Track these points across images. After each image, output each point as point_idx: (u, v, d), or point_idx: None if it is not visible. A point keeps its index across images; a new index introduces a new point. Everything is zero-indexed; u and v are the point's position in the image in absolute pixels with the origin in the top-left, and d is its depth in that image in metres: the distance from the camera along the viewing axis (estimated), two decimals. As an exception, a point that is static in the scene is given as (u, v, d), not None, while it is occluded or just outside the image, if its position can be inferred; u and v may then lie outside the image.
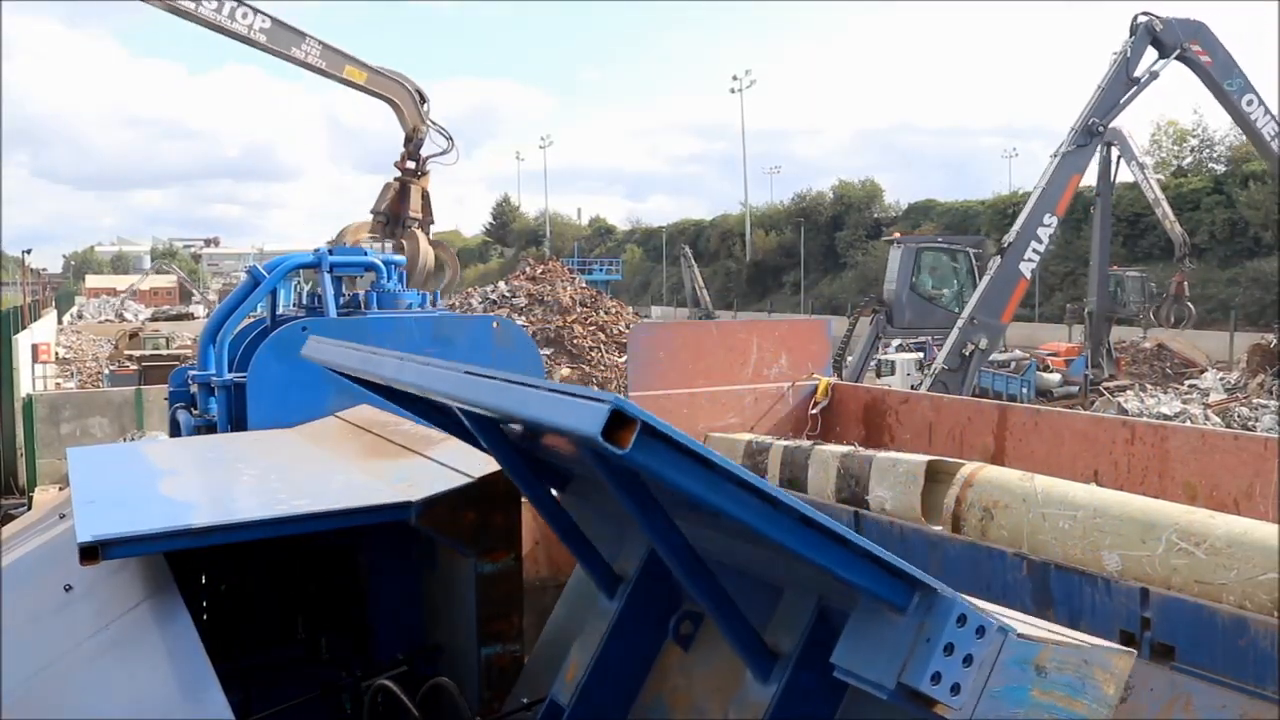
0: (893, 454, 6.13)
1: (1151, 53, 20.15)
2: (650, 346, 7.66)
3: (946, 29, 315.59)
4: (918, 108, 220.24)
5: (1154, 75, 20.33)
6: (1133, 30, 20.00)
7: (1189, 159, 57.44)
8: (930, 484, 5.79)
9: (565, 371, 19.39)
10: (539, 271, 24.51)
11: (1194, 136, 57.11)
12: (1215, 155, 56.04)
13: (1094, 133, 20.42)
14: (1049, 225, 20.42)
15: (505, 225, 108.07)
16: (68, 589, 4.89)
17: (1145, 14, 19.89)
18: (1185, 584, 4.27)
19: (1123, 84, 20.29)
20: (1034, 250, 20.28)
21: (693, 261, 61.73)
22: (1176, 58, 19.98)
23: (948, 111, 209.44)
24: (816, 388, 8.13)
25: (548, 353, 19.57)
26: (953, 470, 5.69)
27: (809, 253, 68.69)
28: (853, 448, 6.45)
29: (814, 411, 8.03)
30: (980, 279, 25.21)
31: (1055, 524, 4.86)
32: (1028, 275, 20.53)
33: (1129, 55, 20.08)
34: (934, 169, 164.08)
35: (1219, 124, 55.91)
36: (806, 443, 6.97)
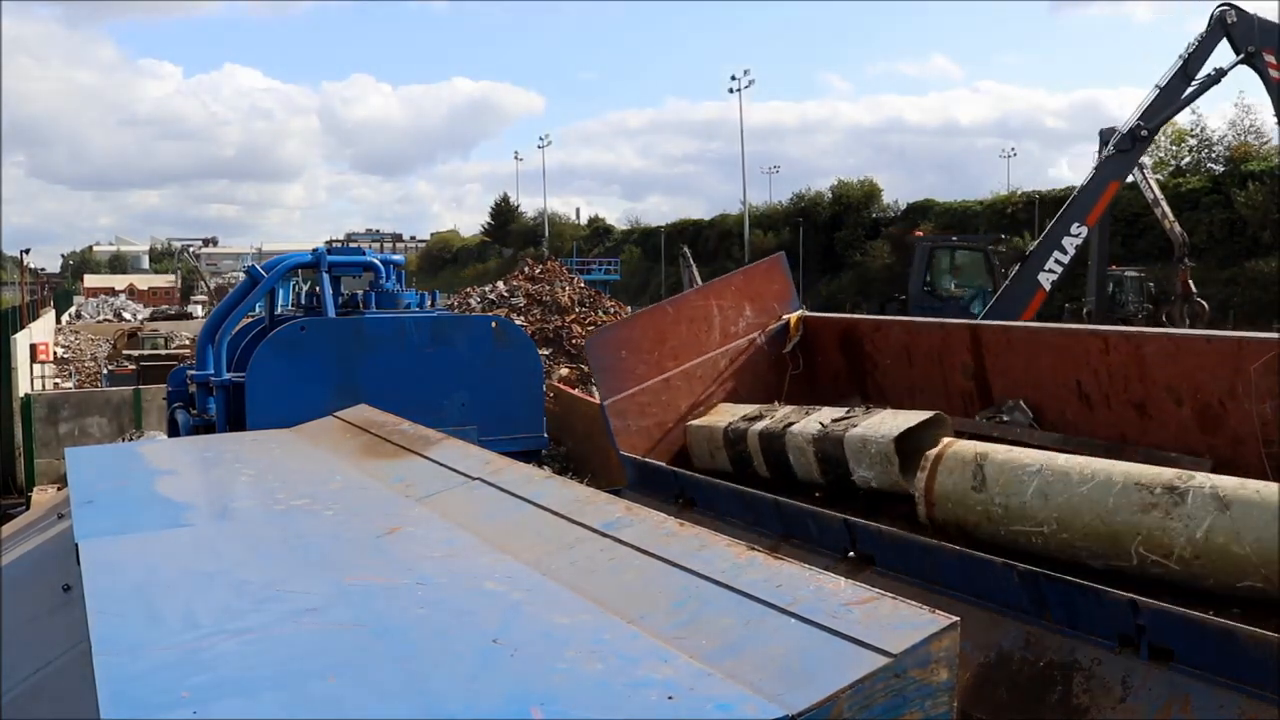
0: (861, 430, 6.02)
1: (1224, 52, 17.93)
2: (610, 348, 7.46)
3: (939, 27, 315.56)
4: (908, 106, 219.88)
5: (1216, 76, 17.99)
6: (1209, 22, 17.85)
7: (1187, 159, 57.43)
8: (907, 454, 5.78)
9: (564, 371, 19.38)
10: (537, 272, 24.44)
11: (1192, 137, 57.15)
12: (1214, 155, 56.08)
13: (1138, 137, 18.94)
14: (1077, 235, 18.79)
15: (504, 225, 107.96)
16: (67, 589, 4.89)
17: (1225, 4, 17.76)
18: (1171, 586, 4.25)
19: (1181, 83, 18.19)
20: (1057, 260, 18.80)
21: (692, 261, 61.61)
22: (1242, 61, 17.86)
23: (938, 110, 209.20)
24: (788, 326, 7.92)
25: (547, 353, 19.56)
26: (924, 435, 5.67)
27: (808, 253, 68.64)
28: (821, 428, 6.34)
29: (788, 351, 7.82)
30: (996, 277, 24.82)
31: (1025, 537, 4.79)
32: (1047, 287, 18.89)
33: (1193, 50, 17.88)
34: (927, 169, 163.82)
35: (1217, 124, 55.99)
36: (779, 417, 6.78)
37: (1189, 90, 18.69)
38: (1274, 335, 5.12)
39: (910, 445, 5.80)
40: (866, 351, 7.63)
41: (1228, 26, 17.93)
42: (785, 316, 7.97)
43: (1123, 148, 18.98)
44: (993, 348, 6.62)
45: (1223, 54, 18.44)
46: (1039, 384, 6.25)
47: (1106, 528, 4.43)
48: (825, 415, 6.50)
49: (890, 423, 5.97)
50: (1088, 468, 4.65)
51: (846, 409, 6.48)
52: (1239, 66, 18.19)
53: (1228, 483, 4.05)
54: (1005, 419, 6.38)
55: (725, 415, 7.31)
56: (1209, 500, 4.03)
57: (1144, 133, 18.87)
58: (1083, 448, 5.89)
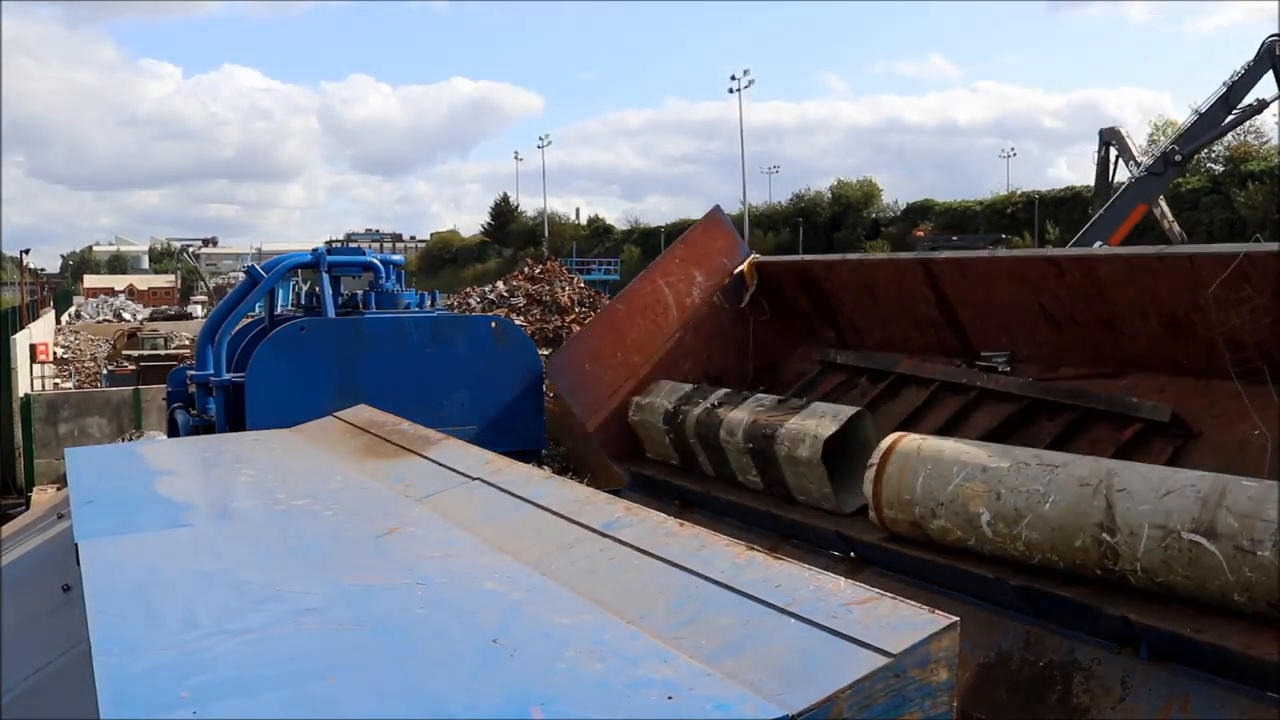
0: (801, 502, 6.01)
1: (1269, 84, 18.08)
2: (573, 365, 7.40)
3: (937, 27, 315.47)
4: (907, 106, 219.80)
5: (1258, 106, 18.20)
6: (1258, 52, 18.03)
7: (1187, 159, 57.43)
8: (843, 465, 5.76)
9: (564, 371, 19.36)
10: (537, 272, 24.42)
11: (1192, 136, 57.14)
12: (1213, 155, 56.05)
13: (1171, 162, 18.72)
14: None
15: (504, 225, 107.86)
16: (66, 589, 4.89)
17: (1276, 36, 17.89)
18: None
19: (1221, 110, 18.34)
20: None
21: (691, 261, 61.68)
22: None
23: (937, 110, 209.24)
24: (743, 278, 7.76)
25: (546, 353, 19.52)
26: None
27: (807, 253, 68.70)
28: (750, 482, 6.27)
29: (746, 303, 7.70)
30: None
31: (979, 545, 4.73)
32: None
33: (1237, 79, 18.09)
34: (926, 169, 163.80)
35: (1217, 124, 55.85)
36: (703, 471, 6.75)
37: (1229, 119, 18.65)
38: (1225, 247, 5.02)
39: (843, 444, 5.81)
40: (825, 290, 7.50)
41: (1275, 58, 17.85)
42: (737, 269, 7.78)
43: (1155, 171, 18.88)
44: (949, 280, 6.51)
45: (1266, 85, 18.41)
46: (1004, 310, 6.16)
47: (1060, 557, 4.34)
48: (743, 455, 6.34)
49: (811, 476, 5.84)
50: (1020, 515, 4.41)
51: (754, 443, 6.26)
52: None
53: (1156, 563, 3.94)
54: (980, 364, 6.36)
55: (653, 431, 7.17)
56: (1148, 582, 3.97)
57: (1178, 157, 18.82)
58: (1049, 393, 5.78)
